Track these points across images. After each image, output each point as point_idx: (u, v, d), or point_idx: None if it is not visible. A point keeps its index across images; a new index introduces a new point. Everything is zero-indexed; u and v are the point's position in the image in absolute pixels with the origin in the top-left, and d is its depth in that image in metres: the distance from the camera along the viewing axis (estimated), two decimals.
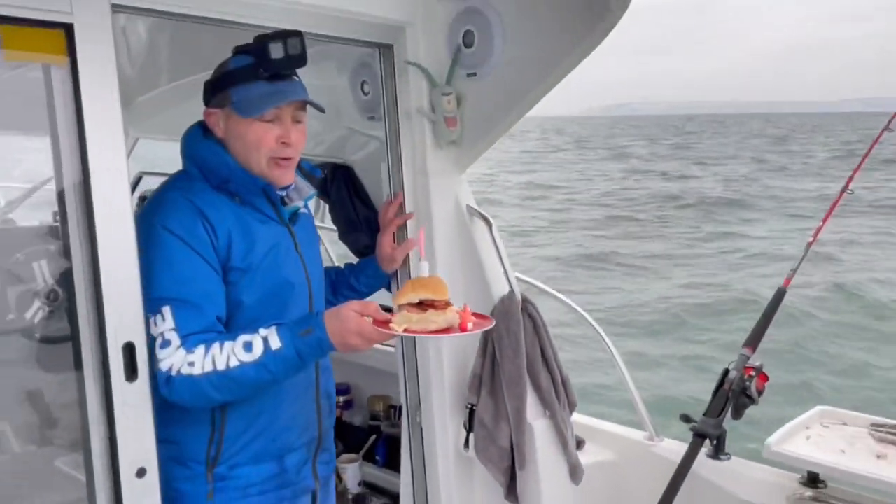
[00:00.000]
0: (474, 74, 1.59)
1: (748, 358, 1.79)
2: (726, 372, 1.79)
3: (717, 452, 1.87)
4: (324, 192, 1.91)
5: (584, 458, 1.93)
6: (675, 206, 18.90)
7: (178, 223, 1.11)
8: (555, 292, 2.24)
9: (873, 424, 1.86)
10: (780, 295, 1.95)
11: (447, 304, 1.13)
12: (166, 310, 1.05)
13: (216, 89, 1.18)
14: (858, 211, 15.51)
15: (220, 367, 1.04)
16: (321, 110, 1.25)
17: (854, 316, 10.09)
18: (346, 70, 1.82)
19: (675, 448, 2.05)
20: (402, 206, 1.65)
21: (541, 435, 1.72)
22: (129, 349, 1.05)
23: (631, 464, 2.16)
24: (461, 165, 1.76)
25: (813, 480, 1.76)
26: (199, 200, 1.15)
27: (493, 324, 1.24)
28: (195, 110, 1.42)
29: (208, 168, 1.19)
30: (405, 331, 1.11)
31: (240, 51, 1.19)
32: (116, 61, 1.05)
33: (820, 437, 1.89)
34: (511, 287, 1.72)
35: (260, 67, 1.15)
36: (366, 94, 1.78)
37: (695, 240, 14.54)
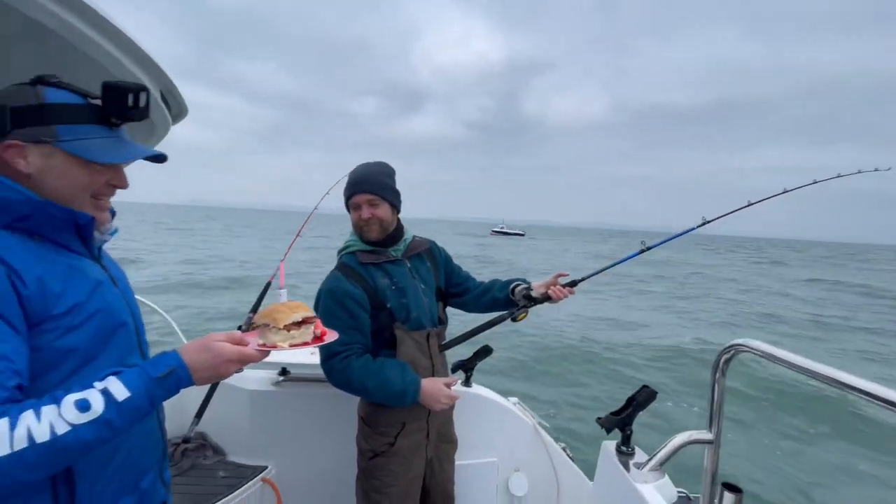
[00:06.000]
0: None
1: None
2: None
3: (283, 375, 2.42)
4: None
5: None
6: None
7: None
8: (152, 304, 2.80)
9: None
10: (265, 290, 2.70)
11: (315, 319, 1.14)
12: None
13: (30, 121, 0.90)
14: None
15: (41, 439, 0.73)
16: (163, 160, 1.04)
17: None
18: None
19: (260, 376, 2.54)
20: None
21: None
22: None
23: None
24: None
25: (284, 371, 2.46)
26: None
27: (338, 335, 1.18)
28: None
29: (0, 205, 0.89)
30: (290, 345, 1.07)
31: (57, 86, 0.92)
32: None
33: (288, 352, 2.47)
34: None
35: (110, 112, 0.96)
36: None
37: None
